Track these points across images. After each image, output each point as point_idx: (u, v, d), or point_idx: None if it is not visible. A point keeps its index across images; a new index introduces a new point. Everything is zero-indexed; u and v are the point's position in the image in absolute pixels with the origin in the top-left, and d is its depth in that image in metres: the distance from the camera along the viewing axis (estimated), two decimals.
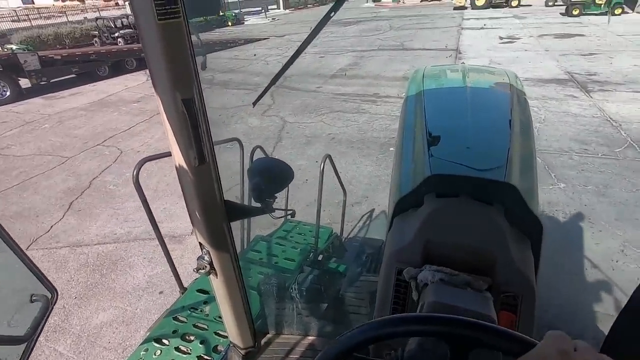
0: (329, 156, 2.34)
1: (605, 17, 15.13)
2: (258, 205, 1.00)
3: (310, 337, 1.39)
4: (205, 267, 0.87)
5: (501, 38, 12.29)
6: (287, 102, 7.39)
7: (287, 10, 32.59)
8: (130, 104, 8.29)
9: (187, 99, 0.66)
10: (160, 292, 2.91)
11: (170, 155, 0.75)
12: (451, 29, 15.18)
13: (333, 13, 0.82)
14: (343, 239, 2.99)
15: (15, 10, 28.20)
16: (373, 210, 3.81)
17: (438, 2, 28.76)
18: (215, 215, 0.83)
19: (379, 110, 6.57)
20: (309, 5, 35.05)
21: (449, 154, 1.04)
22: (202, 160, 0.72)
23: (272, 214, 1.04)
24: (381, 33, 15.67)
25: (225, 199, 0.85)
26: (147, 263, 3.25)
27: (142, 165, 1.55)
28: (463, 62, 9.25)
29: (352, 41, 14.19)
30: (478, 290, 0.77)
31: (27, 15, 27.32)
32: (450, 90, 1.46)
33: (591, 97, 6.40)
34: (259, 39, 16.57)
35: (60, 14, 31.12)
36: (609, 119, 5.46)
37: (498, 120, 1.19)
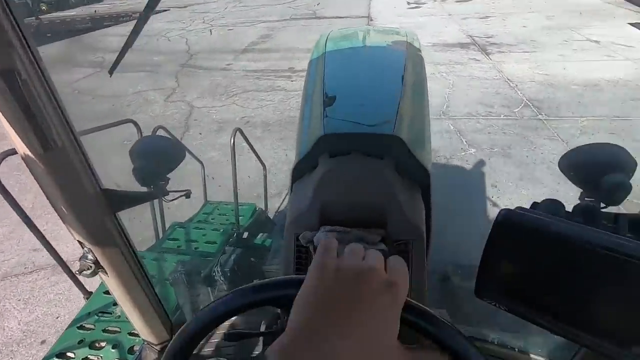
0: (240, 129, 2.24)
1: None
2: (146, 189, 0.92)
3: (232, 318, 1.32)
4: (90, 267, 0.78)
5: (408, 3, 12.51)
6: (193, 84, 6.63)
7: None
8: None
9: (5, 71, 0.51)
10: (43, 342, 2.36)
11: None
12: None
13: None
14: (268, 213, 2.93)
15: None
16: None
17: None
18: (92, 207, 0.72)
19: (295, 86, 6.21)
20: None
21: (343, 113, 1.03)
22: (47, 145, 0.59)
23: (166, 197, 0.99)
24: (292, 1, 14.94)
25: (104, 187, 0.73)
26: (22, 306, 2.62)
27: (3, 159, 1.32)
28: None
29: (263, 11, 13.29)
30: (372, 243, 0.78)
31: None
32: (350, 52, 1.46)
33: (490, 59, 6.80)
34: (157, 12, 14.70)
35: None
36: (507, 79, 5.84)
37: (391, 77, 1.18)
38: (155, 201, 2.16)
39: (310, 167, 0.95)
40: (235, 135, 2.13)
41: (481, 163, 3.86)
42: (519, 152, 3.95)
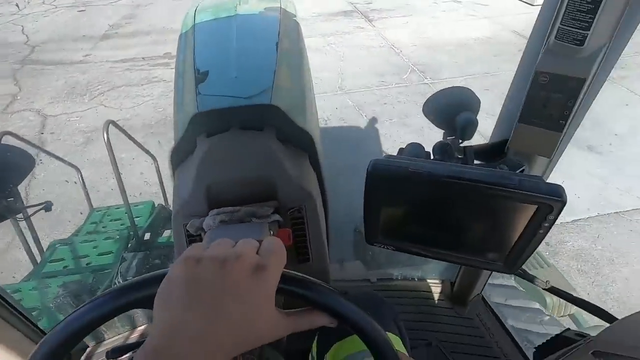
0: (112, 121, 2.03)
1: None
2: None
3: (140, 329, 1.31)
4: None
5: None
6: (43, 86, 5.32)
7: None
8: None
9: None
10: None
11: None
12: None
13: None
14: (170, 207, 2.71)
15: None
16: None
17: None
18: None
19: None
20: None
21: (217, 88, 0.97)
22: None
23: (21, 214, 0.90)
24: None
25: None
26: None
27: None
28: None
29: None
30: (264, 216, 0.76)
31: None
32: (220, 22, 1.37)
33: (374, 26, 6.92)
34: None
35: None
36: (392, 46, 6.01)
37: (265, 44, 1.15)
38: (23, 223, 1.78)
39: (190, 150, 0.88)
40: (107, 129, 1.91)
41: (383, 135, 3.90)
42: (414, 119, 4.10)
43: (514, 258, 0.53)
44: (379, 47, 6.01)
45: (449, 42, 6.06)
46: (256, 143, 0.84)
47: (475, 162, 0.73)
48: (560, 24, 0.56)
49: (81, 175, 2.49)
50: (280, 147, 0.86)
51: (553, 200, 0.45)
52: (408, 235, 0.59)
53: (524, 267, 0.63)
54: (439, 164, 0.52)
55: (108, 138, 1.91)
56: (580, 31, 0.54)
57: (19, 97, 5.00)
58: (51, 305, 1.53)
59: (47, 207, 1.17)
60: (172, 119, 1.11)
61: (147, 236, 2.11)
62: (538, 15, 0.68)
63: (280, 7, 1.43)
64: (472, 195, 0.49)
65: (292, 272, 0.42)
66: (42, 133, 4.22)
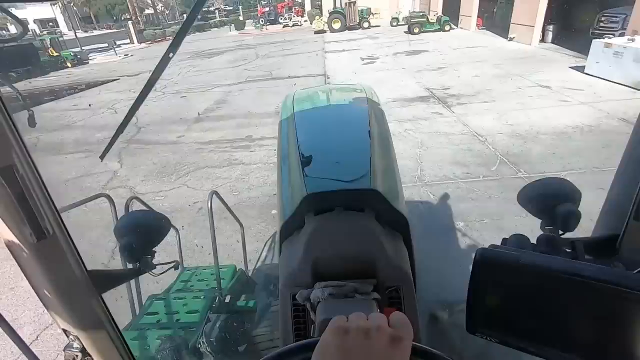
0: (216, 192, 2.24)
1: (440, 34, 17.53)
2: (132, 266, 0.90)
3: None
4: (76, 356, 0.72)
5: (362, 59, 12.87)
6: (139, 164, 5.89)
7: (143, 45, 29.70)
8: None
9: (4, 168, 0.52)
10: None
11: None
12: (315, 53, 15.47)
13: (172, 54, 0.78)
14: (249, 273, 2.88)
15: None
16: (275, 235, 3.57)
17: (299, 27, 29.97)
18: (78, 291, 0.68)
19: (253, 158, 5.65)
20: (168, 38, 32.63)
21: (321, 171, 1.07)
22: (41, 235, 0.58)
23: (153, 271, 0.98)
24: (248, 62, 15.03)
25: (88, 268, 0.70)
26: None
27: None
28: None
29: (218, 74, 13.13)
30: (365, 293, 0.80)
31: None
32: (317, 111, 1.50)
33: (453, 112, 6.69)
34: (106, 81, 14.14)
35: None
36: (475, 134, 5.64)
37: (359, 132, 1.23)
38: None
39: (297, 226, 0.96)
40: (211, 198, 2.12)
41: (472, 242, 3.34)
42: (511, 222, 3.50)
43: None
44: (459, 134, 5.68)
45: (542, 130, 5.51)
46: (358, 223, 0.91)
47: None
48: None
49: (179, 237, 2.67)
50: (380, 228, 0.91)
51: None
52: (513, 329, 0.56)
53: None
54: (552, 258, 0.52)
55: (211, 206, 2.08)
56: None
57: (118, 174, 5.54)
58: (152, 357, 1.67)
59: (176, 266, 1.29)
60: (277, 196, 1.19)
61: (227, 298, 2.22)
62: None
63: (366, 97, 1.52)
64: (589, 294, 0.47)
65: (421, 345, 0.51)
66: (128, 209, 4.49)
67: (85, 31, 51.04)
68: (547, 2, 11.61)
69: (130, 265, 0.93)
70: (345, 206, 0.96)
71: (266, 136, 6.48)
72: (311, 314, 0.82)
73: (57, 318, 0.70)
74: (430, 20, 17.91)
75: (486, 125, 5.92)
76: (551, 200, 0.75)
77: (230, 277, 2.46)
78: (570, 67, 8.87)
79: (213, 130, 7.16)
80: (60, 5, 45.76)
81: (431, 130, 5.95)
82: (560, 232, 0.73)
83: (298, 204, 0.98)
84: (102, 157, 0.91)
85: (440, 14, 19.39)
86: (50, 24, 49.55)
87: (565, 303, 0.50)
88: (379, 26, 23.29)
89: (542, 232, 0.75)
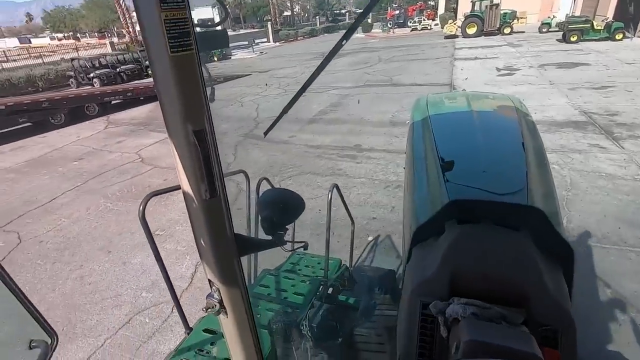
0: (337, 185, 2.26)
1: (607, 43, 14.28)
2: (268, 238, 0.95)
3: None
4: (215, 305, 0.81)
5: (498, 69, 11.27)
6: (250, 160, 6.13)
7: (277, 43, 32.36)
8: (70, 162, 7.03)
9: (199, 131, 0.61)
10: None
11: (179, 189, 0.71)
12: (443, 59, 14.27)
13: (345, 41, 0.82)
14: (351, 270, 2.81)
15: (4, 51, 27.72)
16: (378, 237, 3.74)
17: (428, 30, 28.46)
18: (226, 250, 0.76)
19: (358, 171, 5.27)
20: (299, 38, 34.91)
21: (465, 178, 0.99)
22: (213, 193, 0.67)
23: (284, 246, 1.01)
24: (369, 66, 14.76)
25: (235, 232, 0.77)
26: None
27: (149, 200, 1.31)
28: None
29: (338, 76, 13.21)
30: (514, 323, 0.71)
31: (18, 54, 26.80)
32: (457, 116, 1.42)
33: (622, 147, 5.13)
34: (240, 76, 15.66)
35: (51, 53, 30.71)
36: None
37: (511, 143, 1.14)
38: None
39: (434, 233, 0.90)
40: (332, 191, 2.14)
41: None
42: None
43: None
44: (631, 180, 4.26)
45: None
46: (512, 242, 0.81)
47: None
48: None
49: (294, 225, 3.03)
50: (538, 253, 0.79)
51: None
52: None
53: None
54: None
55: (331, 198, 2.10)
56: None
57: (231, 166, 5.85)
58: (263, 325, 1.73)
59: (305, 246, 1.32)
60: (405, 198, 1.18)
61: (330, 290, 2.25)
62: None
63: (515, 107, 1.41)
64: None
65: None
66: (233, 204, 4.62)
67: (234, 30, 58.61)
68: None
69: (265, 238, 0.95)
70: (496, 220, 0.86)
71: (375, 148, 6.03)
72: (441, 329, 0.75)
73: (206, 268, 0.77)
74: (596, 27, 14.72)
75: None
76: None
77: (335, 269, 2.49)
78: None
79: (323, 134, 7.06)
80: (218, 8, 53.36)
81: (587, 167, 4.63)
82: None
83: (439, 209, 0.92)
84: (265, 133, 0.98)
85: (610, 19, 15.81)
86: (209, 23, 58.40)
87: None
88: (523, 32, 20.36)
89: None
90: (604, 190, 4.08)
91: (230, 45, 28.81)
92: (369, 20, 37.15)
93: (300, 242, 1.30)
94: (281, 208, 1.01)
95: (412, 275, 0.86)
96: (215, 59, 23.63)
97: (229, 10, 59.89)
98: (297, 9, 54.31)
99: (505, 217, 0.86)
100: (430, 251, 0.88)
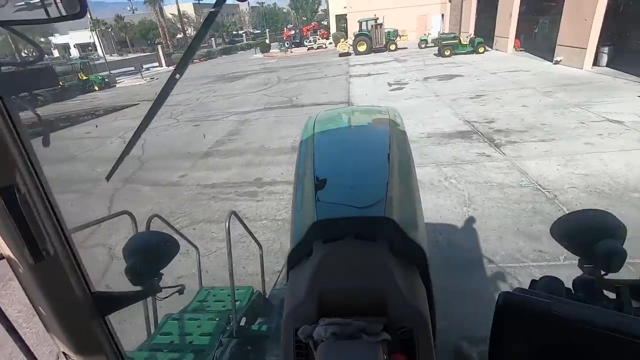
0: (234, 212, 2.25)
1: (473, 56, 16.38)
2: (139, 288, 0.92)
3: None
4: None
5: (390, 84, 11.91)
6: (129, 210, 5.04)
7: (170, 67, 30.26)
8: None
9: (5, 188, 0.53)
10: None
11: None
12: (340, 77, 14.68)
13: (178, 75, 0.79)
14: (267, 295, 2.75)
15: None
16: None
17: (324, 49, 29.66)
18: (81, 313, 0.68)
19: (260, 210, 4.67)
20: (195, 61, 33.20)
21: (334, 196, 1.00)
22: (38, 256, 0.58)
23: (158, 295, 1.00)
24: (268, 87, 14.42)
25: (94, 290, 0.69)
26: None
27: None
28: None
29: (236, 100, 12.53)
30: (374, 333, 0.72)
31: None
32: (337, 133, 1.45)
33: (504, 153, 5.50)
34: (125, 106, 13.88)
35: None
36: (537, 186, 4.43)
37: (377, 155, 1.17)
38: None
39: (305, 254, 0.91)
40: (230, 219, 2.11)
41: None
42: None
43: None
44: (518, 186, 4.48)
45: (629, 183, 4.23)
46: (369, 254, 0.83)
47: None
48: None
49: (199, 256, 2.66)
50: (393, 260, 0.83)
51: None
52: None
53: None
54: (590, 308, 0.47)
55: (229, 227, 2.05)
56: None
57: (100, 228, 4.70)
58: None
59: (181, 290, 1.29)
60: (290, 220, 1.14)
61: (243, 321, 2.14)
62: None
63: (389, 119, 1.46)
64: (633, 353, 0.41)
65: None
66: (104, 274, 3.58)
67: (121, 55, 53.53)
68: (601, 21, 10.29)
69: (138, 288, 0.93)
70: (357, 235, 0.86)
71: (277, 180, 5.51)
72: (315, 353, 0.73)
73: (56, 340, 0.69)
74: (463, 42, 16.83)
75: (551, 174, 4.70)
76: (591, 235, 0.68)
77: (247, 298, 2.38)
78: None
79: (219, 169, 6.30)
80: (98, 31, 48.30)
81: (480, 179, 4.78)
82: (603, 273, 0.66)
83: (307, 230, 0.90)
84: (107, 178, 0.95)
85: (472, 35, 18.30)
86: (90, 48, 52.35)
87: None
88: (406, 48, 22.44)
89: (582, 272, 0.69)
90: (497, 202, 4.19)
91: (115, 71, 25.95)
92: (267, 41, 37.36)
93: (176, 285, 1.25)
94: (149, 254, 0.96)
95: (288, 300, 0.84)
96: (96, 88, 20.85)
97: (112, 34, 54.50)
98: (189, 31, 52.12)
99: (363, 230, 0.88)
100: (301, 274, 0.86)
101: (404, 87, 11.25)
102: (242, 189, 5.38)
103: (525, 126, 6.56)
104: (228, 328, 2.00)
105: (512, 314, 0.49)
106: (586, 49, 10.68)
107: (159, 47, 31.85)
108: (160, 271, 1.00)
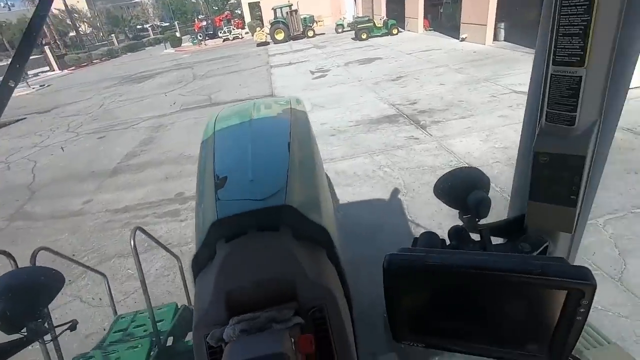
0: (140, 227, 2.17)
1: (388, 38, 16.84)
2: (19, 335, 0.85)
3: None
4: None
5: (312, 72, 11.64)
6: (18, 253, 4.08)
7: (66, 71, 26.46)
8: None
9: None
10: None
11: None
12: (260, 68, 14.03)
13: (13, 82, 0.71)
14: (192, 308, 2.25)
15: None
16: None
17: (240, 39, 28.35)
18: None
19: (184, 232, 4.08)
20: (95, 61, 29.40)
21: (235, 192, 0.96)
22: None
23: (46, 336, 0.93)
24: (184, 85, 13.23)
25: None
26: None
27: None
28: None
29: (146, 104, 11.24)
30: (285, 320, 0.71)
31: None
32: (237, 128, 1.39)
33: (430, 134, 5.58)
34: (8, 123, 11.65)
35: None
36: (465, 164, 4.52)
37: (277, 145, 1.16)
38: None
39: (210, 256, 0.87)
40: (135, 235, 2.00)
41: None
42: None
43: (558, 347, 0.50)
44: (448, 167, 4.53)
45: None
46: (273, 244, 0.83)
47: (495, 241, 0.74)
48: (548, 108, 0.58)
49: (108, 283, 2.55)
50: (297, 245, 0.84)
51: (582, 285, 0.45)
52: (437, 331, 0.56)
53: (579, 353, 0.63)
54: (456, 253, 0.54)
55: (134, 243, 1.97)
56: (568, 113, 0.56)
57: None
58: None
59: (73, 326, 1.14)
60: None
61: (169, 341, 2.04)
62: (527, 96, 0.72)
63: (290, 108, 1.46)
64: (495, 284, 0.49)
65: None
66: None
67: (0, 60, 45.49)
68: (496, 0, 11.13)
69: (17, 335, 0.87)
70: (259, 227, 0.84)
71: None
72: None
73: None
74: (377, 25, 17.19)
75: (475, 150, 4.84)
76: (462, 189, 0.75)
77: (172, 316, 2.30)
78: None
79: (132, 188, 5.46)
80: None
81: (412, 164, 4.75)
82: (477, 220, 0.73)
83: (207, 231, 0.87)
84: None
85: (385, 17, 18.80)
86: None
87: (478, 297, 0.52)
88: (324, 34, 22.35)
89: (461, 223, 0.76)
90: (430, 187, 4.16)
91: None
92: (177, 34, 34.53)
93: (67, 322, 1.18)
94: (22, 294, 0.86)
95: (196, 308, 0.79)
96: None
97: None
98: (82, 28, 46.13)
99: (265, 222, 0.86)
100: (207, 278, 0.82)
101: (326, 74, 11.07)
102: (162, 209, 4.70)
103: (445, 104, 6.78)
104: (152, 353, 1.90)
105: (397, 272, 0.53)
106: (486, 25, 11.50)
107: (47, 48, 27.56)
108: (45, 309, 0.91)
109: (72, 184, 6.01)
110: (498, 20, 11.55)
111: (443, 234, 0.75)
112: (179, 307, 2.44)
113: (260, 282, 0.77)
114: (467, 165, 4.50)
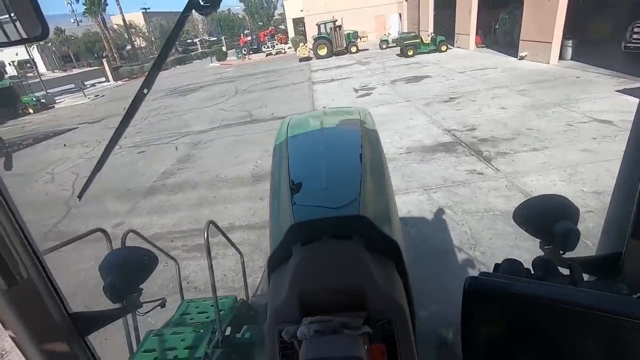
0: (212, 222, 2.24)
1: (436, 55, 16.05)
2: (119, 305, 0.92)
3: None
4: None
5: (356, 90, 11.14)
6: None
7: (119, 82, 28.06)
8: None
9: None
10: None
11: None
12: (302, 84, 13.77)
13: (146, 90, 0.79)
14: (251, 302, 2.79)
15: None
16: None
17: (283, 54, 28.68)
18: (60, 336, 0.67)
19: (219, 273, 3.61)
20: (146, 73, 31.05)
21: (310, 198, 1.01)
22: (11, 280, 0.58)
23: (139, 310, 1.00)
24: (226, 100, 13.24)
25: (72, 311, 0.68)
26: None
27: None
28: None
29: (189, 117, 11.28)
30: (355, 327, 0.73)
31: None
32: (309, 136, 1.43)
33: (497, 169, 4.80)
34: (61, 132, 12.17)
35: None
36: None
37: (350, 156, 1.19)
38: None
39: (285, 258, 0.91)
40: (208, 228, 2.07)
41: None
42: None
43: None
44: None
45: None
46: (346, 252, 0.85)
47: (586, 278, 0.67)
48: None
49: (178, 269, 2.66)
50: (369, 256, 0.85)
51: None
52: None
53: None
54: (545, 285, 0.53)
55: (207, 236, 2.02)
56: None
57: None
58: None
59: (163, 304, 1.26)
60: (269, 225, 1.14)
61: (228, 331, 2.14)
62: (632, 125, 0.69)
63: (360, 120, 1.48)
64: (586, 323, 0.45)
65: None
66: None
67: (65, 70, 49.58)
68: (564, 14, 10.08)
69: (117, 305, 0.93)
70: (333, 235, 0.88)
71: (235, 224, 4.47)
72: (299, 352, 0.75)
73: None
74: (425, 41, 16.47)
75: (558, 193, 3.99)
76: (548, 218, 0.71)
77: (230, 308, 2.38)
78: (617, 91, 7.14)
79: (164, 213, 5.15)
80: (37, 46, 44.44)
81: (478, 206, 4.01)
82: (562, 252, 0.68)
83: (285, 234, 0.92)
84: (79, 196, 0.95)
85: (432, 33, 18.05)
86: (28, 65, 48.07)
87: (562, 333, 0.49)
88: (367, 50, 21.94)
89: (543, 253, 0.71)
90: (506, 240, 3.41)
91: (54, 90, 23.58)
92: (223, 49, 35.80)
93: (157, 299, 1.29)
94: (127, 270, 0.97)
95: (271, 304, 0.85)
96: (31, 110, 18.63)
97: (53, 49, 50.53)
98: (137, 42, 49.33)
99: (339, 229, 0.88)
100: (282, 277, 0.86)
101: (371, 93, 10.51)
102: (192, 241, 4.30)
103: (511, 133, 5.94)
104: (213, 339, 1.99)
105: (478, 296, 0.52)
106: (551, 42, 10.45)
107: (104, 60, 29.46)
108: (140, 286, 1.03)
109: (107, 203, 5.84)
110: (565, 36, 10.45)
111: None
112: (238, 300, 2.53)
113: (333, 288, 0.80)
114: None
